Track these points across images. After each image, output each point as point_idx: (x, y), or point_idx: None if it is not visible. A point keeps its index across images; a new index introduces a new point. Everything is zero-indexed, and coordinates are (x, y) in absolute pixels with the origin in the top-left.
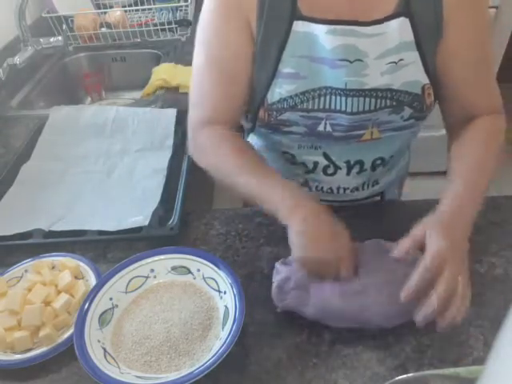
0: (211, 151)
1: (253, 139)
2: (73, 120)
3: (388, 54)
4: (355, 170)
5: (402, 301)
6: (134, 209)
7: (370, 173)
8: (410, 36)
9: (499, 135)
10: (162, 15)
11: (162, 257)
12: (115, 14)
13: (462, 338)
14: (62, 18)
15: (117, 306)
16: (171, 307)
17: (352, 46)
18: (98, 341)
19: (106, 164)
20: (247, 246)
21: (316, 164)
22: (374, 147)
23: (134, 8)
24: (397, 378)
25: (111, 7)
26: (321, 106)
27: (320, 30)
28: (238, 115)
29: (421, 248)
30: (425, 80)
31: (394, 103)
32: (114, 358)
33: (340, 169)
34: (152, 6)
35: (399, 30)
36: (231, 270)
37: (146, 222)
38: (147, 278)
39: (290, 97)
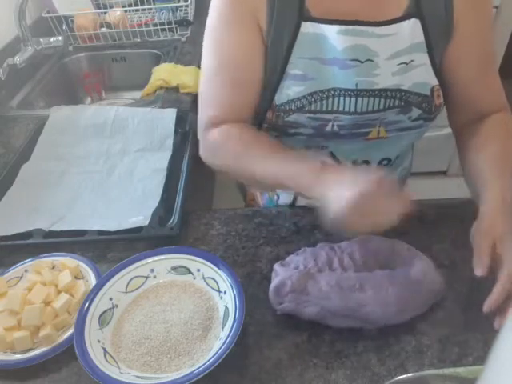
0: (223, 147)
1: None
2: (73, 120)
3: (399, 54)
4: None
5: (484, 311)
6: (134, 209)
7: None
8: (420, 37)
9: None
10: (162, 15)
11: (162, 257)
12: (115, 14)
13: (462, 338)
14: (62, 18)
15: (117, 306)
16: (171, 307)
17: (363, 46)
18: (98, 341)
19: (106, 164)
20: (247, 245)
21: None
22: (380, 147)
23: (133, 8)
24: (397, 378)
25: (111, 7)
26: (329, 108)
27: (330, 30)
28: (249, 116)
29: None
30: (434, 81)
31: (403, 103)
32: (113, 358)
33: None
34: (152, 6)
35: (410, 31)
36: (231, 270)
37: (146, 222)
38: (147, 277)
39: (298, 98)
